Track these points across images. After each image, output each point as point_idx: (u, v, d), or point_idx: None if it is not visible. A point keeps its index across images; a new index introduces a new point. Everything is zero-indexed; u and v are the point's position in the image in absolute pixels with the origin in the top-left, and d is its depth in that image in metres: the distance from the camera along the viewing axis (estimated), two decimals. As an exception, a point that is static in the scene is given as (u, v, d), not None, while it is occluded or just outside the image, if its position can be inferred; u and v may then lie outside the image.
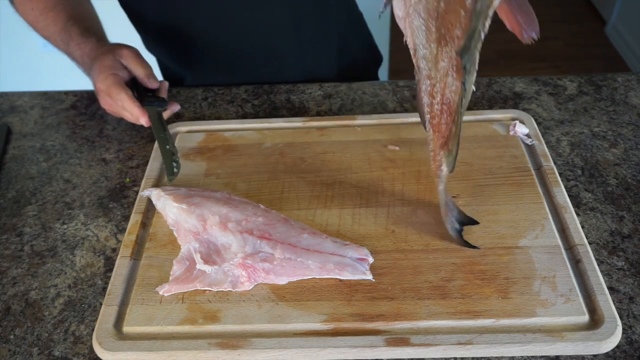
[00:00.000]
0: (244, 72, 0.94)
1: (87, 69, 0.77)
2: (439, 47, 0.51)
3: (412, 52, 0.53)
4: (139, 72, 0.73)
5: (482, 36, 0.50)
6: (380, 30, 1.74)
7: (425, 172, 0.70)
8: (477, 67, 0.52)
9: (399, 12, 0.51)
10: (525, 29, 0.50)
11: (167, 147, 0.70)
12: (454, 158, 0.57)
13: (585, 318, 0.54)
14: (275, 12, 0.87)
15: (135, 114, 0.70)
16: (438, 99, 0.55)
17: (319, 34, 0.94)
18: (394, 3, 0.51)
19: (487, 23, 0.49)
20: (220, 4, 0.85)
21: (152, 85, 0.74)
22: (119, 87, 0.70)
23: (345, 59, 0.99)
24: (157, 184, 0.72)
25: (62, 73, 2.30)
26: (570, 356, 0.53)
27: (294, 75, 0.94)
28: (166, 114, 0.75)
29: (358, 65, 1.02)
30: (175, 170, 0.70)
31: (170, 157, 0.70)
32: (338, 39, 0.97)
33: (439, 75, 0.54)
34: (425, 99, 0.56)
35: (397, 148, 0.73)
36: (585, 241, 0.60)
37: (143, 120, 0.71)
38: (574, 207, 0.65)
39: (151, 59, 0.89)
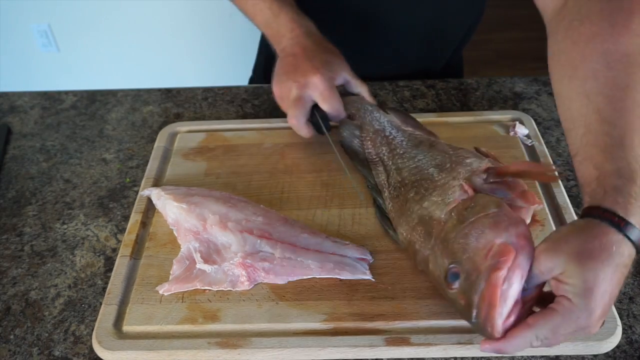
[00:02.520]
0: (368, 58, 0.93)
1: (277, 38, 0.72)
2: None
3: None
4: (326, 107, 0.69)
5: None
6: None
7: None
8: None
9: None
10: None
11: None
12: None
13: (585, 318, 0.54)
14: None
15: (302, 133, 0.70)
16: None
17: (444, 32, 0.93)
18: None
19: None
20: None
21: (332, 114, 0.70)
22: (303, 104, 0.67)
23: (452, 58, 1.00)
24: (157, 183, 0.72)
25: (62, 73, 2.31)
26: (570, 356, 0.53)
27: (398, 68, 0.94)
28: None
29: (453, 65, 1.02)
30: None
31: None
32: (458, 41, 0.98)
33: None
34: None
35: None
36: (585, 241, 0.60)
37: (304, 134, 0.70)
38: (573, 207, 0.65)
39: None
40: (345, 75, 0.71)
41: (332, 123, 0.72)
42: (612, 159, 0.47)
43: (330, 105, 0.68)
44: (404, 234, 0.58)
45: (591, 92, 0.52)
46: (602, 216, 0.44)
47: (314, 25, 0.73)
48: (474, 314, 0.45)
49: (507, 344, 0.44)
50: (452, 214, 0.53)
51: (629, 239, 0.43)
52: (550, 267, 0.44)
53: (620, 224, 0.43)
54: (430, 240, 0.53)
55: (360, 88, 0.72)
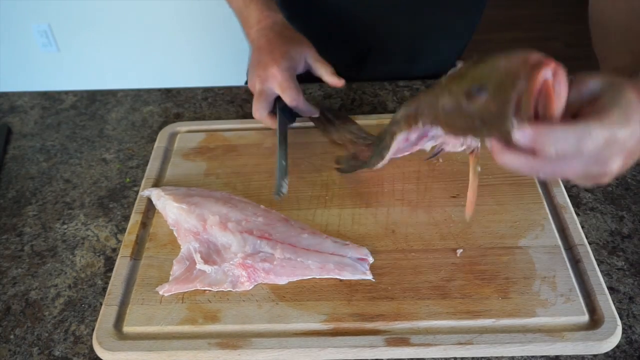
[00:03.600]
0: (373, 61, 0.94)
1: (247, 29, 0.76)
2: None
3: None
4: (322, 72, 0.72)
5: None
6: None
7: (425, 172, 0.70)
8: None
9: None
10: None
11: (283, 162, 0.68)
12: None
13: (585, 318, 0.54)
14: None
15: (266, 124, 0.72)
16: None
17: (452, 33, 0.94)
18: None
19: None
20: None
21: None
22: (264, 97, 0.70)
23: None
24: (157, 184, 0.72)
25: (62, 73, 2.31)
26: (570, 356, 0.53)
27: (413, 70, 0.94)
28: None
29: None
30: (282, 190, 0.65)
31: (283, 174, 0.66)
32: (465, 38, 0.98)
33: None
34: None
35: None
36: (585, 241, 0.60)
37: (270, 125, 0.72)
38: (573, 207, 0.65)
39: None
40: (309, 60, 0.72)
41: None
42: None
43: (288, 95, 0.69)
44: (405, 108, 0.56)
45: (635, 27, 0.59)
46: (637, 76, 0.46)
47: (281, 16, 0.74)
48: (513, 111, 0.41)
49: (546, 133, 0.40)
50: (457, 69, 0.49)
51: None
52: (592, 88, 0.43)
53: None
54: (440, 86, 0.49)
55: (321, 70, 0.72)
